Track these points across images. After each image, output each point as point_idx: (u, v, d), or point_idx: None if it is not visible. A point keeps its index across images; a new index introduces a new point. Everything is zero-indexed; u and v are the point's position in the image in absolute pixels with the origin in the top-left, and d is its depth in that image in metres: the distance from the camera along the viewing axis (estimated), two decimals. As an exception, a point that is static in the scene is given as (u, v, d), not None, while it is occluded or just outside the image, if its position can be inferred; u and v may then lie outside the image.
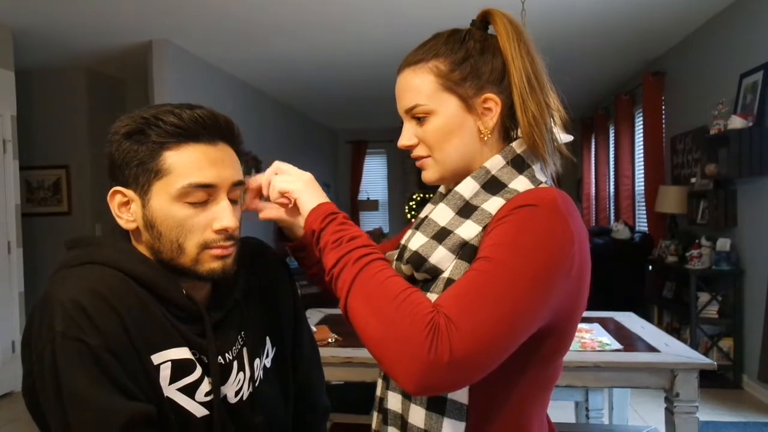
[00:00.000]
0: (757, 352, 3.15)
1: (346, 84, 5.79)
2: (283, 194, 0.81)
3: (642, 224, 5.46)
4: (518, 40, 0.80)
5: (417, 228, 0.82)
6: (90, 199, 5.01)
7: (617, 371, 1.94)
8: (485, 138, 0.80)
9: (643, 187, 5.22)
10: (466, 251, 0.75)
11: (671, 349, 2.02)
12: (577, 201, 8.12)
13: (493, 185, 0.79)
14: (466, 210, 0.78)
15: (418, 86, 0.80)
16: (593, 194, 7.29)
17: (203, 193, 0.75)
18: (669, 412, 1.93)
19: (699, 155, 3.98)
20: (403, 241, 0.84)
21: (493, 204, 0.77)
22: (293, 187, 0.80)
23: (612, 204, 6.60)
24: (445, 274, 0.76)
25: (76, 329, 0.67)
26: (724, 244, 3.61)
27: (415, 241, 0.79)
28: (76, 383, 0.66)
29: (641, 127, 5.27)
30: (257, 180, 0.86)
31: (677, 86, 4.61)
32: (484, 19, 0.84)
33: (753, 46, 3.36)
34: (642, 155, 5.22)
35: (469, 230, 0.76)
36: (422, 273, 0.78)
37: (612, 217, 6.54)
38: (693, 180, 4.07)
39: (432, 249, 0.77)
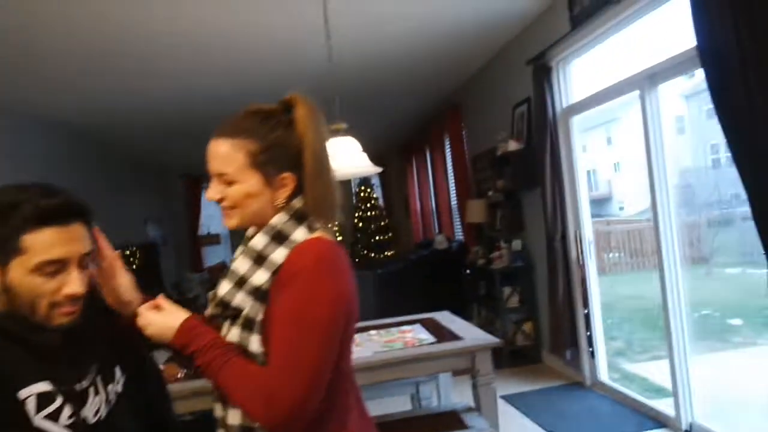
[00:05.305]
0: (550, 330, 3.89)
1: (172, 119, 5.75)
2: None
3: (460, 234, 6.26)
4: (315, 129, 1.03)
5: (225, 277, 1.06)
6: None
7: (432, 360, 2.35)
8: (278, 204, 1.04)
9: (459, 202, 6.02)
10: (260, 294, 1.00)
11: (471, 335, 2.49)
12: (406, 217, 8.89)
13: (279, 237, 1.02)
14: (260, 260, 1.01)
15: (229, 158, 1.01)
16: (419, 210, 8.09)
17: (55, 266, 0.93)
18: (474, 387, 2.38)
19: (491, 173, 4.77)
20: (216, 290, 1.06)
21: (280, 254, 1.00)
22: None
23: (435, 218, 7.41)
24: (245, 313, 1.00)
25: None
26: (516, 245, 4.39)
27: (222, 288, 1.03)
28: None
29: (454, 149, 6.09)
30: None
31: (470, 116, 5.46)
32: (290, 102, 1.05)
33: (520, 81, 4.17)
34: (457, 174, 6.02)
35: (261, 277, 1.00)
36: (229, 312, 1.03)
37: (436, 230, 7.34)
38: (490, 193, 4.85)
39: (234, 295, 1.01)
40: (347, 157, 2.67)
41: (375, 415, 2.57)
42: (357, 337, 2.71)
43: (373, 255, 8.69)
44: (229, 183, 1.02)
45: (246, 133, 1.01)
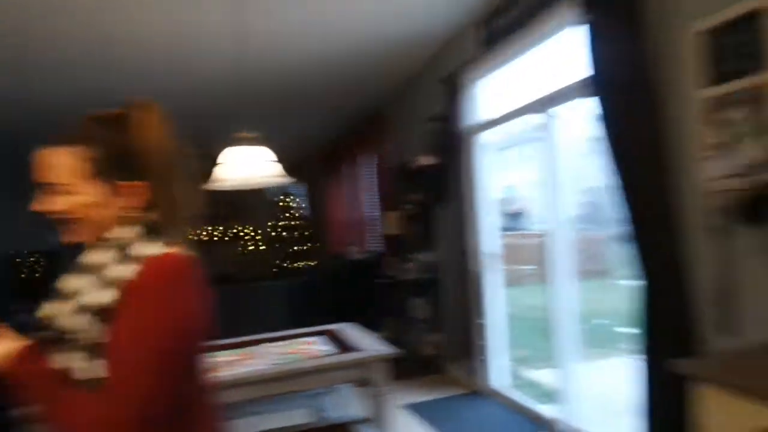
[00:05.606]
0: (453, 341, 4.01)
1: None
2: None
3: (379, 245, 6.32)
4: (159, 135, 0.97)
5: (58, 296, 0.93)
6: None
7: (328, 372, 2.37)
8: (126, 215, 0.96)
9: (378, 213, 6.08)
10: (102, 314, 0.89)
11: (370, 347, 2.53)
12: (326, 227, 8.89)
13: (123, 251, 0.93)
14: (102, 277, 0.92)
15: (70, 167, 0.93)
16: (339, 220, 8.10)
17: None
18: (371, 398, 2.42)
19: (409, 186, 4.88)
20: (49, 311, 0.94)
21: (124, 270, 0.91)
22: None
23: (356, 228, 7.43)
24: (84, 335, 0.90)
25: None
26: (427, 256, 4.50)
27: (57, 309, 0.92)
28: None
29: (374, 161, 6.15)
30: None
31: (395, 129, 5.57)
32: (133, 107, 0.98)
33: (436, 98, 4.29)
34: (376, 186, 6.09)
35: (103, 296, 0.90)
36: (66, 335, 0.91)
37: (356, 240, 7.36)
38: (407, 206, 4.95)
39: (71, 316, 0.91)
40: (258, 167, 2.65)
41: (269, 428, 2.55)
42: (255, 349, 2.68)
43: (291, 265, 8.60)
44: (68, 194, 0.95)
45: (85, 141, 0.95)
